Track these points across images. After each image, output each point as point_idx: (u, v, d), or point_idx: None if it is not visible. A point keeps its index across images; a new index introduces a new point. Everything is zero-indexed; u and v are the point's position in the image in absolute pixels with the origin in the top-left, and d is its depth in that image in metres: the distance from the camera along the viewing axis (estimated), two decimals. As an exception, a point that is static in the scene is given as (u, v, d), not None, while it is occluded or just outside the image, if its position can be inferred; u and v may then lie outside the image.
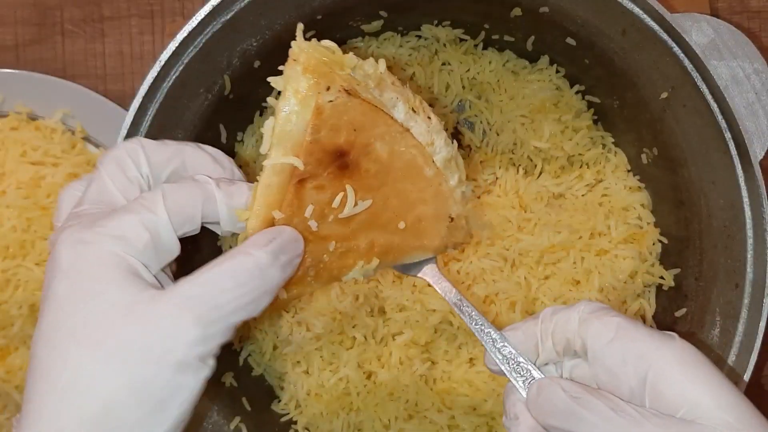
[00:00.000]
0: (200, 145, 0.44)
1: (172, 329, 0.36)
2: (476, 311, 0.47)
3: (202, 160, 0.43)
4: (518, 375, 0.44)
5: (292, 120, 0.40)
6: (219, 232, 0.43)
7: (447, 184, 0.47)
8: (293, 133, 0.40)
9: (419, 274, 0.50)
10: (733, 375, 0.54)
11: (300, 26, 0.42)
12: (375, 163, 0.43)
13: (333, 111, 0.41)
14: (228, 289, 0.37)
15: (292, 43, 0.40)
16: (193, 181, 0.41)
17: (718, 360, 0.56)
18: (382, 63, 0.44)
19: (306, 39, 0.41)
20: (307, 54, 0.40)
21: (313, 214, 0.42)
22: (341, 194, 0.43)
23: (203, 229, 0.52)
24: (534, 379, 0.43)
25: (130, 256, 0.37)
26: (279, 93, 0.40)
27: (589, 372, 0.42)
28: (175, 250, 0.40)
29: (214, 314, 0.37)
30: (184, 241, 0.41)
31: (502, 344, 0.45)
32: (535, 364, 0.44)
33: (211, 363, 0.38)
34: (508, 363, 0.44)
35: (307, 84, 0.40)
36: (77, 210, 0.40)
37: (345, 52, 0.42)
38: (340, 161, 0.42)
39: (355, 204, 0.43)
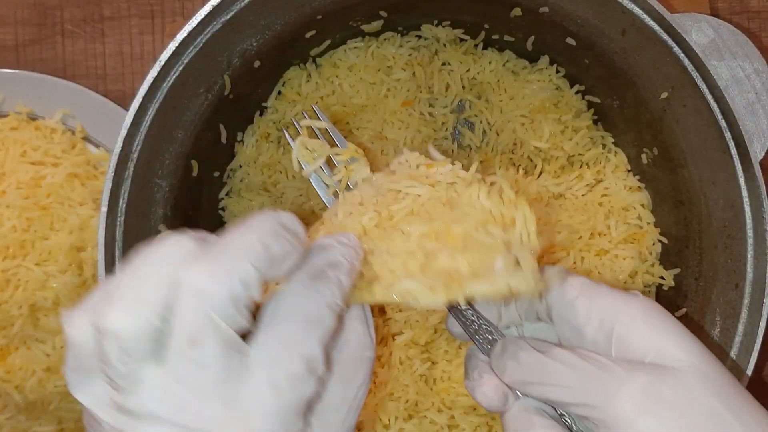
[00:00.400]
0: (284, 220, 0.36)
1: None
2: None
3: (289, 250, 0.36)
4: (480, 338, 0.44)
5: None
6: None
7: None
8: None
9: None
10: (736, 371, 0.54)
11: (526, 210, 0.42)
12: None
13: None
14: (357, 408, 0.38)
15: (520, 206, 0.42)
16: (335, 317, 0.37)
17: (721, 354, 0.56)
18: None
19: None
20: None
21: None
22: None
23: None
24: (497, 340, 0.43)
25: None
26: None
27: (553, 333, 0.43)
28: None
29: None
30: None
31: (465, 308, 0.45)
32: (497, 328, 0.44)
33: None
34: (471, 326, 0.44)
35: None
36: (213, 377, 0.32)
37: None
38: None
39: None
